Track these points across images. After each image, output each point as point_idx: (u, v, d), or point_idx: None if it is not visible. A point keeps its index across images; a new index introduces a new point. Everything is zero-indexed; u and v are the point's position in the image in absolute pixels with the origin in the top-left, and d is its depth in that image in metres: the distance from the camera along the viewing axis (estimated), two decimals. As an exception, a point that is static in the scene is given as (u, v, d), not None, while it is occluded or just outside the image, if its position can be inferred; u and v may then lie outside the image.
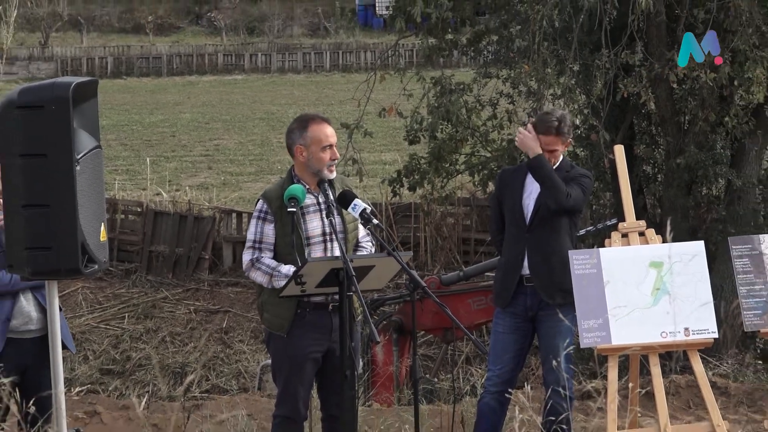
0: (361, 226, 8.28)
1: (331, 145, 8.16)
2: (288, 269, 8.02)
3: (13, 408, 6.03)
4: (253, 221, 8.29)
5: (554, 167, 8.86)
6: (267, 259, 8.15)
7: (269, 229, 8.17)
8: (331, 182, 8.24)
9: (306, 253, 8.07)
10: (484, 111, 16.28)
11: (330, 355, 8.17)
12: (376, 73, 16.58)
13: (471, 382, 12.88)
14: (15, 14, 63.78)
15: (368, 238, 8.33)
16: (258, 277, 8.19)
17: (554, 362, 8.49)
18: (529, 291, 8.87)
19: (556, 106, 9.49)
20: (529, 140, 8.75)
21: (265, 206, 8.21)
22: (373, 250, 8.42)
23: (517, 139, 8.85)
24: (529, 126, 8.82)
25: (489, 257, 15.61)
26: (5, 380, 6.11)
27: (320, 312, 8.13)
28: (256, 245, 8.20)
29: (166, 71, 60.04)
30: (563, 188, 8.65)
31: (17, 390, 7.97)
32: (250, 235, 8.26)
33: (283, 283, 7.98)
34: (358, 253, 8.39)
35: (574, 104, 14.89)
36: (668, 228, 9.55)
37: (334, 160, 8.19)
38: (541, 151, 8.71)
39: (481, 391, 9.54)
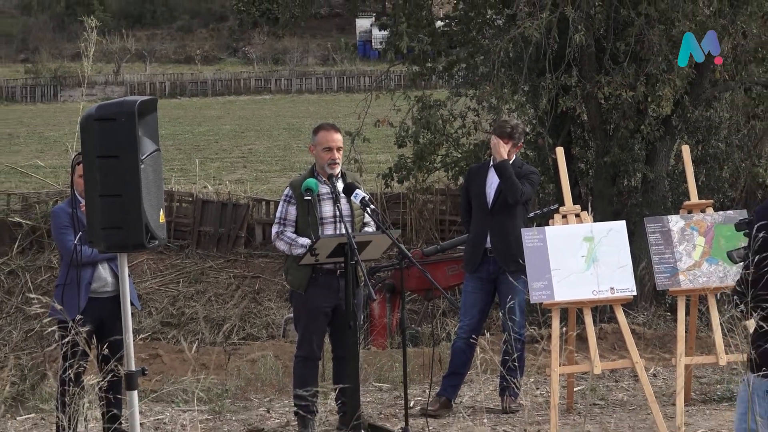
0: (369, 220, 8.35)
1: (330, 148, 8.20)
2: (303, 241, 8.11)
3: (92, 352, 6.04)
4: (281, 203, 8.41)
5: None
6: (289, 232, 8.25)
7: (292, 210, 8.26)
8: (344, 176, 8.28)
9: (320, 231, 8.12)
10: (456, 122, 16.26)
11: (338, 309, 8.19)
12: (372, 93, 16.58)
13: (446, 330, 12.89)
14: (93, 49, 63.61)
15: (372, 224, 8.36)
16: (281, 245, 8.30)
17: (510, 315, 8.52)
18: (491, 260, 8.88)
19: (520, 122, 9.51)
20: (500, 147, 8.74)
21: (290, 192, 8.31)
22: (374, 228, 8.44)
23: (492, 144, 8.83)
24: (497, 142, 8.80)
25: (459, 234, 15.57)
26: (84, 329, 6.07)
27: (330, 276, 8.18)
28: (282, 221, 8.31)
29: (210, 92, 60.00)
30: (519, 188, 8.68)
31: (94, 337, 8.03)
32: (278, 214, 8.38)
33: (299, 251, 8.10)
34: (364, 230, 8.46)
35: (525, 116, 14.87)
36: (589, 209, 9.57)
37: (332, 159, 8.20)
38: (506, 158, 8.72)
39: (454, 337, 9.55)
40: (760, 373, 4.61)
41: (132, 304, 8.17)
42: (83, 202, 8.05)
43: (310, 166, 8.43)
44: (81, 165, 8.05)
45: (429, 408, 8.90)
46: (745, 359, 4.69)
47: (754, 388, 4.64)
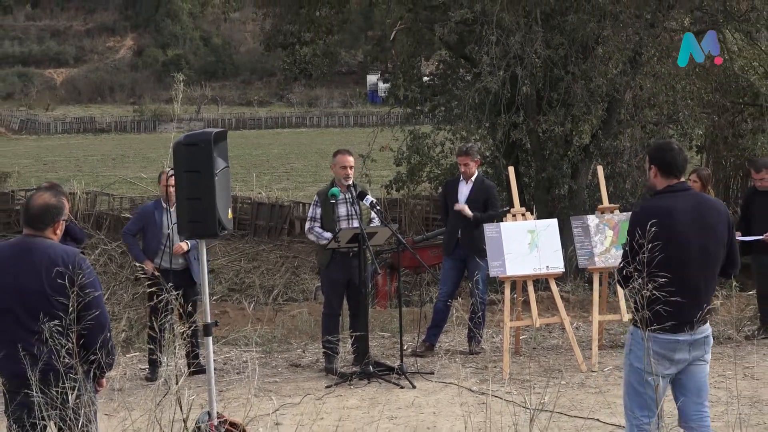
0: (374, 216, 8.34)
1: (345, 166, 8.24)
2: (327, 234, 8.13)
3: (179, 308, 6.03)
4: (311, 206, 8.48)
5: (473, 177, 8.87)
6: (317, 227, 8.26)
7: (318, 210, 8.29)
8: (355, 186, 8.27)
9: (336, 225, 8.17)
10: (437, 148, 16.28)
11: (352, 281, 8.21)
12: (378, 128, 16.62)
13: (429, 296, 12.87)
14: (181, 95, 63.73)
15: (377, 219, 8.35)
16: (311, 237, 8.34)
17: (476, 285, 8.52)
18: (462, 246, 8.87)
19: (475, 145, 9.59)
20: (465, 210, 8.73)
21: (318, 198, 8.38)
22: (379, 222, 8.45)
23: (459, 208, 8.79)
24: (463, 206, 8.78)
25: (439, 228, 15.56)
26: (175, 292, 6.06)
27: (344, 257, 8.21)
28: (312, 219, 8.36)
29: (264, 126, 60.19)
30: (495, 216, 8.76)
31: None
32: (309, 214, 8.43)
33: (324, 241, 8.13)
34: (372, 224, 8.47)
35: (486, 144, 14.89)
36: (532, 211, 9.54)
37: (346, 174, 8.24)
38: (471, 214, 8.71)
39: (435, 300, 9.54)
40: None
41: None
42: (166, 205, 8.32)
43: (331, 180, 8.43)
44: (164, 176, 8.32)
45: (417, 350, 8.90)
46: (632, 318, 4.71)
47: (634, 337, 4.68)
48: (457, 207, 8.78)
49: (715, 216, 4.70)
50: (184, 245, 8.18)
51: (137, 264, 8.31)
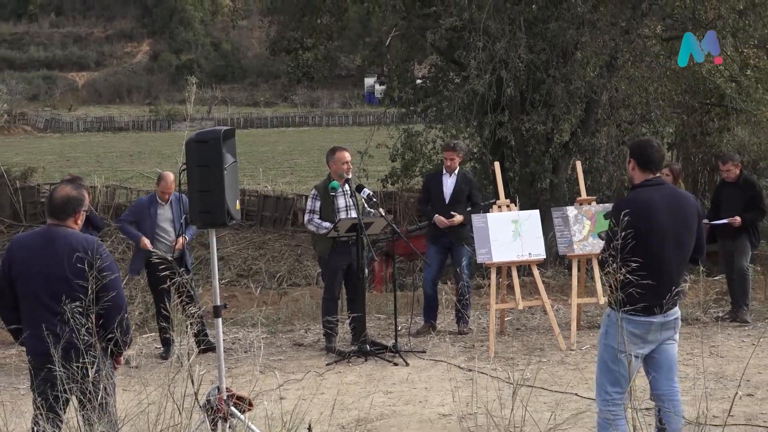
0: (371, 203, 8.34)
1: (345, 162, 8.19)
2: (326, 224, 8.09)
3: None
4: (310, 199, 8.40)
5: (456, 171, 8.87)
6: (316, 219, 8.21)
7: (318, 203, 8.24)
8: (350, 180, 8.26)
9: (336, 216, 8.12)
10: (429, 145, 16.26)
11: (350, 266, 8.20)
12: (375, 126, 16.58)
13: (422, 281, 12.88)
14: (194, 97, 63.65)
15: (373, 210, 8.33)
16: (311, 227, 8.27)
17: (462, 271, 8.52)
18: (448, 236, 8.87)
19: (465, 143, 9.60)
20: (457, 219, 8.71)
21: (316, 192, 8.33)
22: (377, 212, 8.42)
23: (438, 220, 8.76)
24: (441, 219, 8.76)
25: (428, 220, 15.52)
26: (188, 276, 6.05)
27: (344, 245, 8.18)
28: (311, 212, 8.30)
29: (269, 125, 60.04)
30: (478, 209, 8.72)
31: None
32: (308, 207, 8.36)
33: (324, 230, 8.09)
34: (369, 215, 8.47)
35: (474, 142, 14.87)
36: (516, 202, 9.53)
37: (348, 169, 8.19)
38: (462, 218, 8.68)
39: (422, 283, 9.53)
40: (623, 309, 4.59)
41: (188, 269, 8.28)
42: (160, 201, 8.42)
43: (327, 175, 8.40)
44: (163, 183, 8.27)
45: (420, 331, 8.92)
46: (608, 300, 4.68)
47: (615, 318, 4.64)
48: (450, 221, 8.74)
49: (687, 208, 4.76)
50: (182, 239, 8.21)
51: (138, 245, 8.41)
